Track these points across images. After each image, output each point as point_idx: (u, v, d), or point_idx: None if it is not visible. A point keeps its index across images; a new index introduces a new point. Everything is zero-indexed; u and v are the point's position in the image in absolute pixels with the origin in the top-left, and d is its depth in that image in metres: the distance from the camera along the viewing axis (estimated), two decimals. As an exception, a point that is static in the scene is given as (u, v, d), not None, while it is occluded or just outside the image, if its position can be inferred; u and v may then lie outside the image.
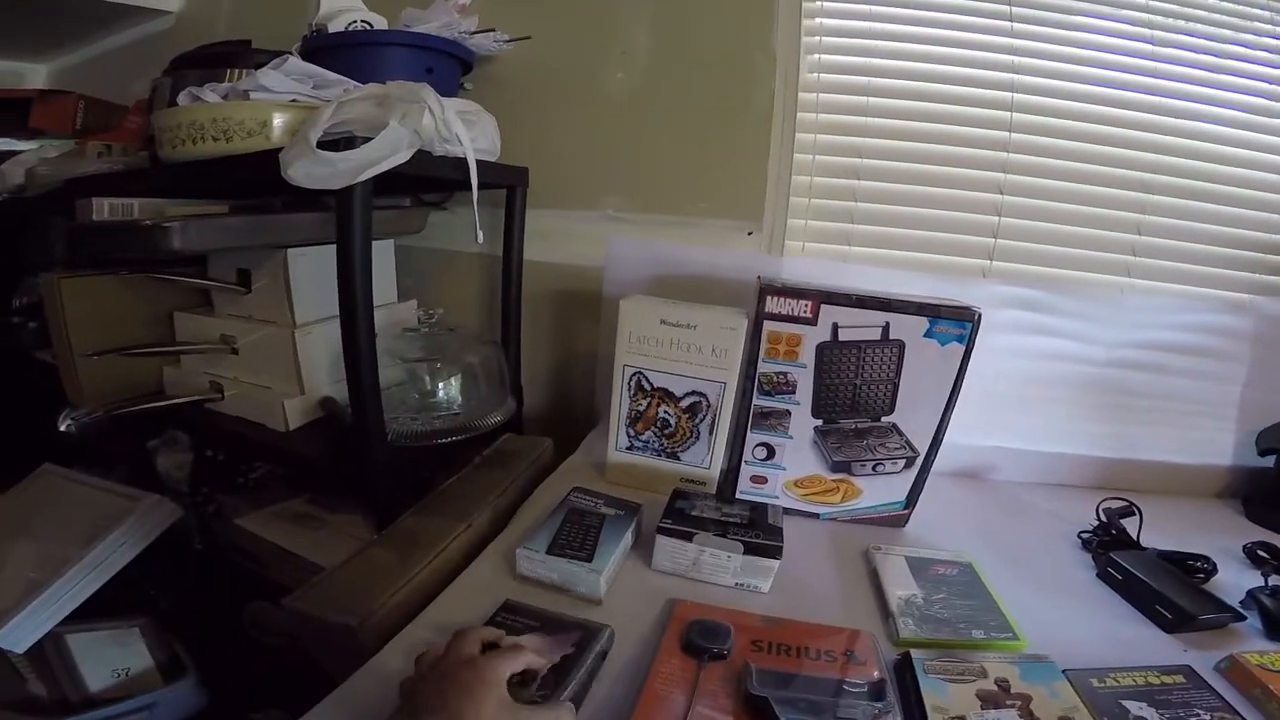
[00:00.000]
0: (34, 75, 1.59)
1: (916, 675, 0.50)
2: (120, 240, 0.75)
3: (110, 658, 0.82)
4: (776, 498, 0.78)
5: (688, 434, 0.79)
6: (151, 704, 0.79)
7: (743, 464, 0.78)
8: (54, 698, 0.75)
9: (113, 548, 0.85)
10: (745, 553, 0.62)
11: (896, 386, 0.72)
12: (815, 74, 0.95)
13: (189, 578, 0.98)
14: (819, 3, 0.94)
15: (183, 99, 0.75)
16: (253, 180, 0.74)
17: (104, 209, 0.78)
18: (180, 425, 0.98)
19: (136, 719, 0.78)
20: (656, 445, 0.80)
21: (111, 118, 1.23)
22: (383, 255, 1.03)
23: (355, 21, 0.89)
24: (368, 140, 0.64)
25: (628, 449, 0.81)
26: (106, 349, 0.85)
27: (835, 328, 0.71)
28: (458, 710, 0.38)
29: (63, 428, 0.88)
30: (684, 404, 0.77)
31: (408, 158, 0.66)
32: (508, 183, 0.97)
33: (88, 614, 0.82)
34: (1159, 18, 0.92)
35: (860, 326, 0.70)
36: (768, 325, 0.72)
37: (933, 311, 0.69)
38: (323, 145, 0.63)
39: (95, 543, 0.84)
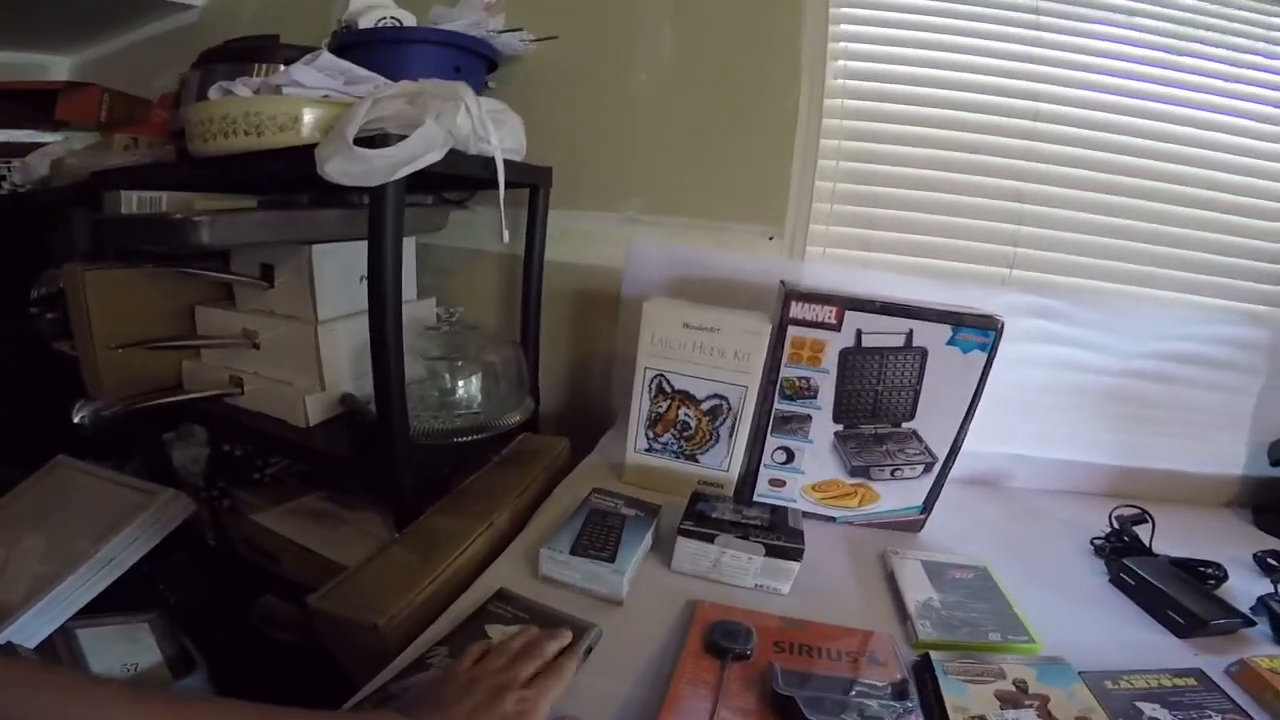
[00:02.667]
0: (57, 67, 1.60)
1: (936, 676, 0.51)
2: (148, 233, 0.76)
3: (120, 653, 0.81)
4: (794, 501, 0.78)
5: (707, 436, 0.79)
6: (160, 699, 0.79)
7: (761, 467, 0.78)
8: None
9: (126, 543, 0.85)
10: (767, 555, 0.62)
11: (918, 393, 0.73)
12: (840, 80, 0.95)
13: (200, 573, 0.98)
14: (846, 9, 0.95)
15: (214, 93, 0.74)
16: (284, 176, 0.75)
17: (132, 201, 0.79)
18: (197, 419, 0.98)
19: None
20: (675, 447, 0.81)
21: (135, 111, 1.24)
22: (405, 253, 1.03)
23: (385, 18, 0.89)
24: (401, 137, 0.64)
25: (646, 450, 0.81)
26: (129, 342, 0.85)
27: (859, 334, 0.71)
28: None
29: (76, 420, 0.88)
30: (705, 407, 0.78)
31: (441, 156, 0.66)
32: (531, 182, 0.97)
33: (97, 608, 0.82)
34: (1180, 27, 0.93)
35: (883, 333, 0.71)
36: (792, 330, 0.72)
37: (956, 320, 0.69)
38: (357, 142, 0.63)
39: (109, 537, 0.84)
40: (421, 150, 0.64)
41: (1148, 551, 0.75)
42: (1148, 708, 0.50)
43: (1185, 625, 0.62)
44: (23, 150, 1.12)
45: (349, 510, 0.92)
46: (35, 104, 1.20)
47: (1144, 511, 0.79)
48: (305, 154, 0.66)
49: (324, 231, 0.83)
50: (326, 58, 0.74)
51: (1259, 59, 0.93)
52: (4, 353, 1.23)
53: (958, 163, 0.94)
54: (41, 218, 1.10)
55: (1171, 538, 0.76)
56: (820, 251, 0.98)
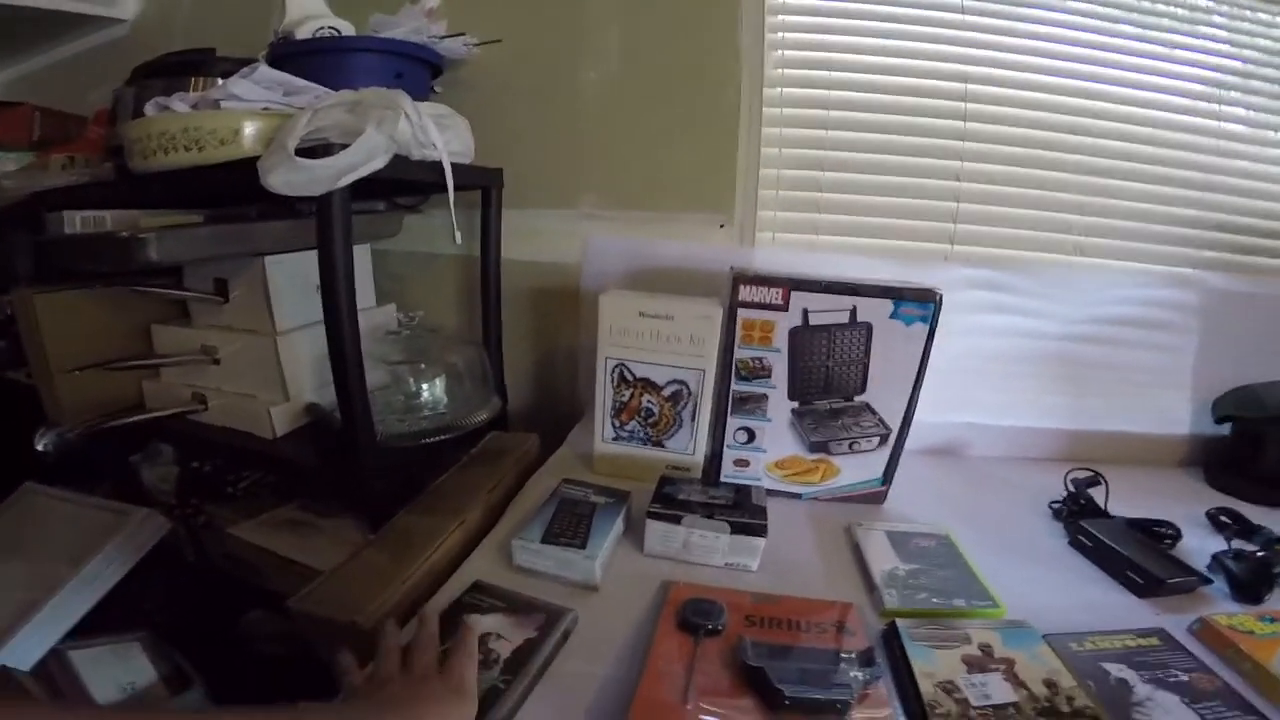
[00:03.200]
0: (-18, 87, 1.54)
1: (903, 643, 0.52)
2: (94, 253, 0.75)
3: (115, 673, 0.80)
4: (759, 480, 0.81)
5: (671, 422, 0.81)
6: (161, 716, 0.79)
7: (725, 448, 0.81)
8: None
9: (105, 563, 0.84)
10: (733, 532, 0.64)
11: (867, 367, 0.76)
12: (779, 69, 0.98)
13: (183, 590, 0.97)
14: (781, 0, 0.97)
15: (150, 109, 0.74)
16: (227, 189, 0.75)
17: (75, 221, 0.77)
18: (163, 437, 0.97)
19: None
20: (641, 434, 0.83)
21: (69, 128, 1.20)
22: (359, 260, 1.02)
23: (322, 28, 0.88)
24: (344, 146, 0.65)
25: (614, 439, 0.83)
26: (86, 364, 0.84)
27: (805, 313, 0.74)
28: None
29: (40, 447, 0.86)
30: (666, 393, 0.80)
31: (385, 163, 0.67)
32: (482, 184, 0.98)
33: (85, 631, 0.81)
34: (1103, 8, 0.97)
35: (829, 311, 0.74)
36: (741, 313, 0.74)
37: (897, 294, 0.72)
38: (299, 153, 0.64)
39: (87, 559, 0.82)
40: (364, 158, 0.65)
41: (1103, 513, 0.76)
42: (1114, 668, 0.51)
43: (1144, 585, 0.63)
44: (-49, 175, 1.07)
45: (324, 518, 0.91)
46: (-36, 125, 1.16)
47: (1097, 474, 0.81)
48: (249, 167, 0.66)
49: (275, 243, 0.82)
50: (264, 70, 0.74)
51: (1181, 29, 0.97)
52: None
53: (896, 145, 0.97)
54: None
55: (1126, 499, 0.78)
56: (770, 237, 1.01)
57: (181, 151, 0.70)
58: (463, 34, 0.99)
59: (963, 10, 0.97)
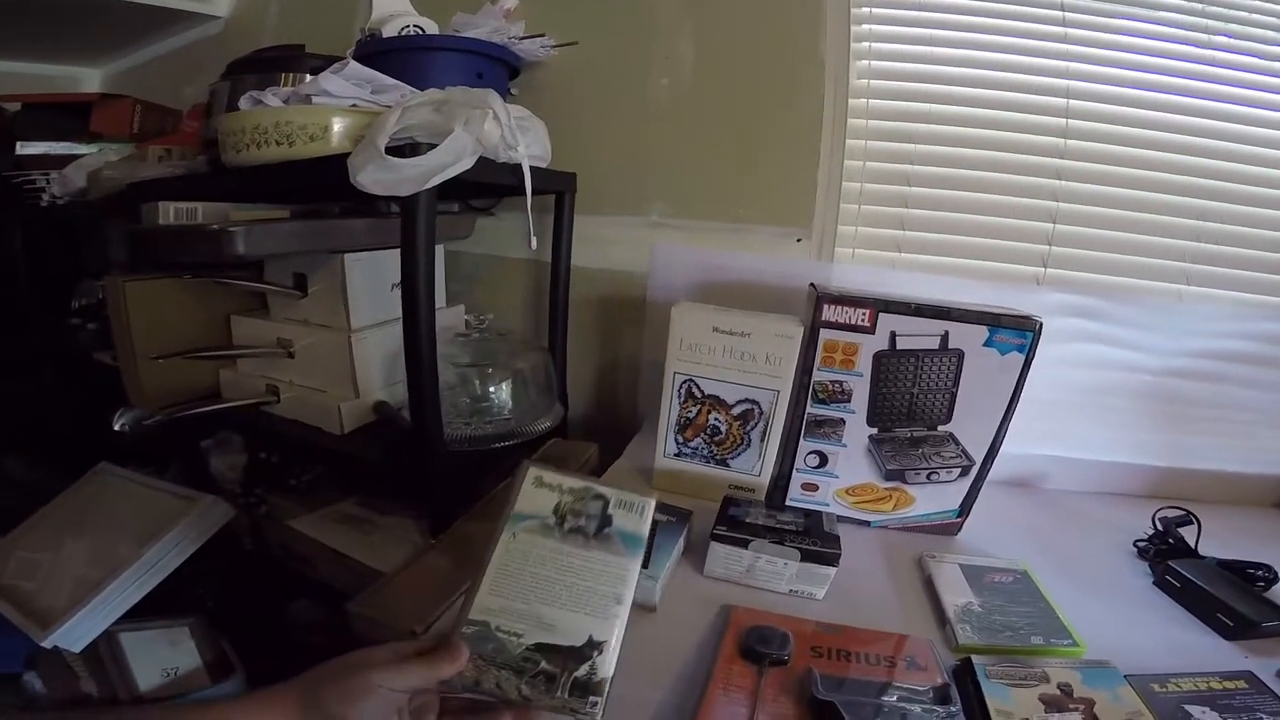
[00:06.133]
0: (89, 79, 1.63)
1: (979, 680, 0.50)
2: (185, 244, 0.77)
3: (161, 656, 0.83)
4: (827, 505, 0.78)
5: (738, 441, 0.79)
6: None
7: (794, 471, 0.78)
8: (105, 696, 0.77)
9: (168, 548, 0.87)
10: (802, 560, 0.62)
11: (954, 395, 0.72)
12: (865, 80, 0.94)
13: (237, 577, 1.00)
14: (868, 9, 0.93)
15: (244, 103, 0.75)
16: (314, 185, 0.76)
17: (170, 213, 0.80)
18: (235, 426, 1.00)
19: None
20: (705, 452, 0.80)
21: (165, 121, 1.26)
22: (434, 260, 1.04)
23: (408, 26, 0.89)
24: (431, 146, 0.65)
25: (675, 455, 0.81)
26: (169, 353, 0.86)
27: (893, 336, 0.70)
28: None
29: (116, 427, 0.90)
30: (735, 411, 0.77)
31: (471, 164, 0.66)
32: (557, 189, 0.97)
33: (138, 612, 0.84)
34: (1214, 21, 0.90)
35: (918, 335, 0.70)
36: (824, 333, 0.71)
37: (993, 321, 0.68)
38: (387, 151, 0.64)
39: (152, 543, 0.85)
40: (452, 159, 0.64)
41: (1193, 553, 0.73)
42: (1196, 711, 0.49)
43: (1234, 627, 0.61)
44: (59, 162, 1.14)
45: (382, 515, 0.92)
46: (71, 116, 1.23)
47: (1189, 513, 0.77)
48: (335, 163, 0.67)
49: (355, 240, 0.83)
50: (354, 67, 0.75)
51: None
52: (45, 363, 1.27)
53: (988, 160, 0.92)
54: (79, 229, 1.13)
55: (1218, 539, 0.74)
56: (849, 253, 0.97)
57: (272, 146, 0.72)
58: (542, 35, 0.99)
59: (1064, 22, 0.91)
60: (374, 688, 0.40)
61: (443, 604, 0.60)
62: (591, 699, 0.43)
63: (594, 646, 0.45)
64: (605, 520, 0.50)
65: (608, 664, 0.44)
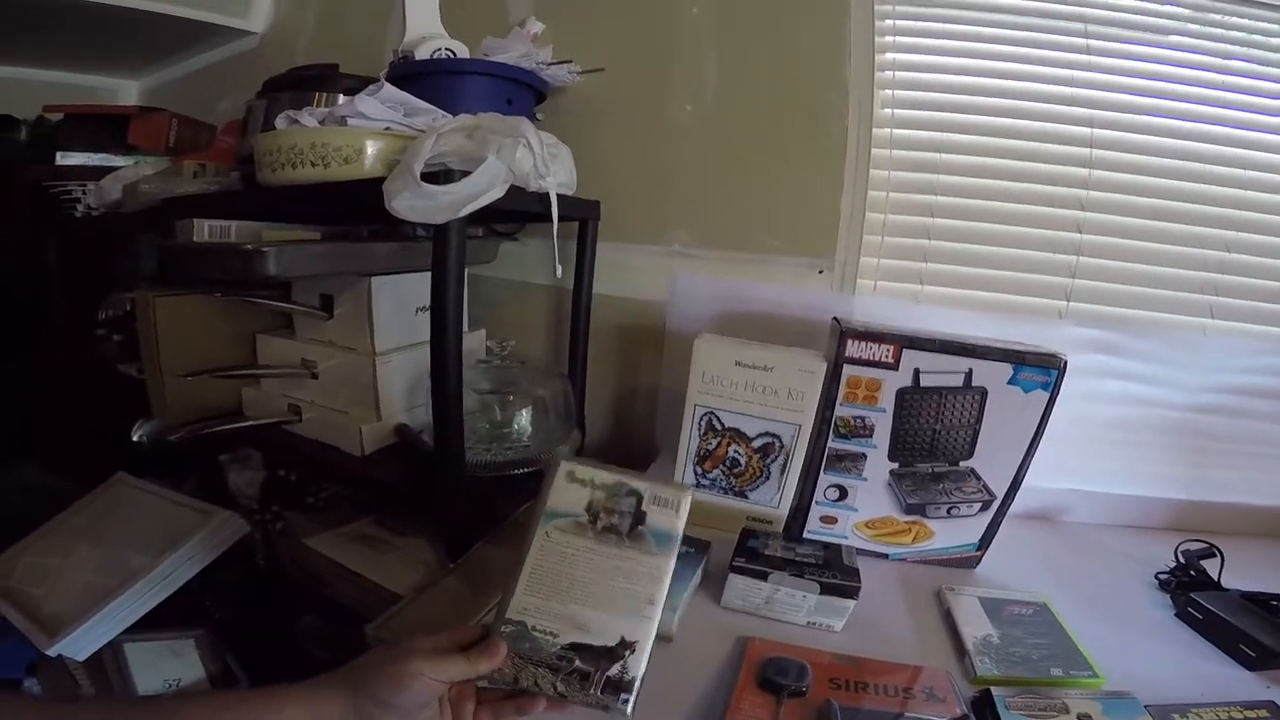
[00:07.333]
0: (126, 91, 1.67)
1: (998, 712, 0.50)
2: (216, 262, 0.78)
3: (164, 667, 0.83)
4: (845, 537, 0.77)
5: (758, 473, 0.78)
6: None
7: (813, 504, 0.77)
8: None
9: (181, 560, 0.87)
10: (822, 593, 0.61)
11: (977, 432, 0.71)
12: (889, 110, 0.94)
13: (246, 592, 1.00)
14: (891, 38, 0.94)
15: (281, 122, 0.76)
16: (346, 207, 0.76)
17: (204, 230, 0.81)
18: (255, 443, 1.00)
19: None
20: (723, 483, 0.80)
21: (200, 135, 1.28)
22: (461, 286, 1.05)
23: (440, 49, 0.90)
24: (464, 173, 0.65)
25: (693, 486, 0.80)
26: (197, 370, 0.87)
27: (917, 373, 0.70)
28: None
29: (135, 438, 0.90)
30: (756, 444, 0.77)
31: (504, 193, 0.67)
32: (581, 216, 0.97)
33: (145, 623, 0.84)
34: (1237, 47, 0.90)
35: (942, 372, 0.70)
36: (848, 369, 0.71)
37: (1018, 359, 0.68)
38: (421, 177, 0.64)
39: (166, 554, 0.85)
40: (485, 187, 0.65)
41: (1216, 586, 0.73)
42: None
43: (1257, 657, 0.61)
44: (95, 173, 1.16)
45: (398, 536, 0.92)
46: (110, 128, 1.25)
47: (1212, 546, 0.77)
48: (368, 186, 0.67)
49: (382, 264, 0.84)
50: (389, 89, 0.76)
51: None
52: (70, 371, 1.28)
53: (1013, 192, 0.92)
54: (111, 242, 1.14)
55: (1242, 572, 0.74)
56: (871, 285, 0.96)
57: (308, 167, 0.72)
58: (569, 61, 1.00)
59: (1088, 51, 0.91)
60: (418, 674, 0.42)
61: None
62: (623, 696, 0.45)
63: (626, 646, 0.46)
64: (639, 517, 0.50)
65: (639, 663, 0.46)
